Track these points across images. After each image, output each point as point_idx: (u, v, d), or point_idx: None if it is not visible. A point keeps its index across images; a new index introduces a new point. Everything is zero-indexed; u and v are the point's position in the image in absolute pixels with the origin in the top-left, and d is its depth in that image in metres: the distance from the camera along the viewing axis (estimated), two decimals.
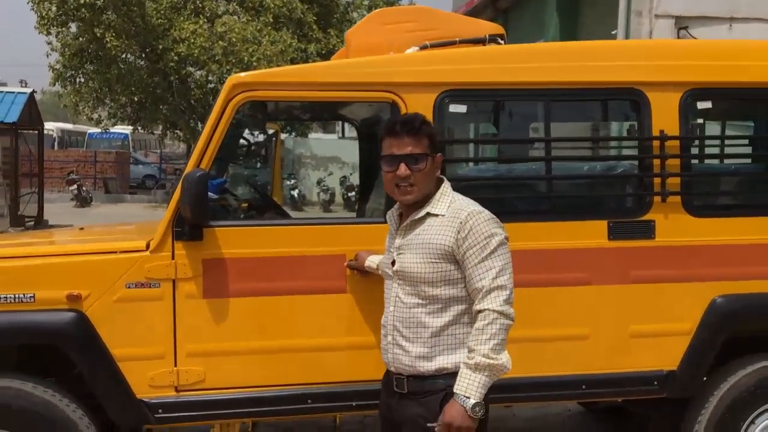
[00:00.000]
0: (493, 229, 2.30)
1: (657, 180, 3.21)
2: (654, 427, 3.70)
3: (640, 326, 3.25)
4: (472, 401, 2.20)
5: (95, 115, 24.40)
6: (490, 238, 2.28)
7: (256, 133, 4.33)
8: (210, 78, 21.52)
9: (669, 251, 3.23)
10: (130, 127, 27.88)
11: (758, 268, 3.30)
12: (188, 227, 2.93)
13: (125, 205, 21.29)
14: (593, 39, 13.74)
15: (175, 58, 20.78)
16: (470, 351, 2.26)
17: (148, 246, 2.99)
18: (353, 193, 18.25)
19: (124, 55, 22.12)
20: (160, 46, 20.94)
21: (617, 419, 4.67)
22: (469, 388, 2.21)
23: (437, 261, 2.30)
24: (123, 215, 16.86)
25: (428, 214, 2.36)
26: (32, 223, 14.57)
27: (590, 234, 3.20)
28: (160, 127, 25.18)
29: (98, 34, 20.33)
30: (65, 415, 2.91)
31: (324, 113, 4.39)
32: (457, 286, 2.33)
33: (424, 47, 3.34)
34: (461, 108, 3.14)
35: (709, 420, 3.31)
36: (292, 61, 21.36)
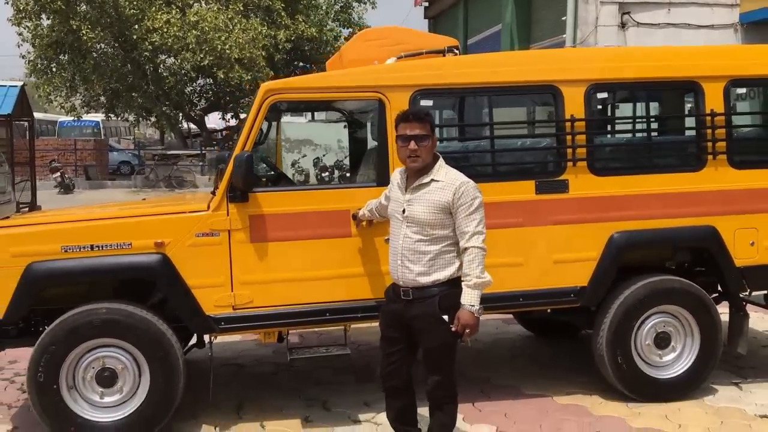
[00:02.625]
0: (476, 194, 3.47)
1: (569, 150, 4.47)
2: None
3: (560, 255, 4.48)
4: (476, 307, 3.38)
5: (68, 104, 25.03)
6: (474, 200, 3.45)
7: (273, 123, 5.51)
8: (184, 65, 22.19)
9: (579, 201, 4.48)
10: (101, 115, 28.49)
11: (644, 212, 4.54)
12: (239, 193, 4.12)
13: (106, 191, 22.03)
14: (545, 24, 15.06)
15: (149, 47, 21.45)
16: (466, 276, 3.40)
17: (208, 207, 4.18)
18: (326, 174, 19.20)
19: (98, 46, 22.68)
20: (134, 36, 21.58)
21: (550, 334, 6.01)
22: (472, 299, 3.38)
23: (438, 212, 3.45)
24: (107, 200, 17.74)
25: (432, 180, 3.45)
26: (26, 209, 15.40)
27: (523, 190, 4.43)
28: (132, 115, 25.90)
29: (74, 26, 20.92)
30: (156, 327, 4.10)
31: (329, 107, 5.60)
32: (447, 228, 3.47)
33: (399, 57, 4.56)
34: (429, 102, 4.35)
35: (611, 322, 4.53)
36: (263, 48, 22.29)
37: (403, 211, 3.52)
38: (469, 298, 3.39)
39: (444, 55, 4.65)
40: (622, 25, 13.26)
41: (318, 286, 4.26)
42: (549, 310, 4.95)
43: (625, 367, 4.55)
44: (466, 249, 3.42)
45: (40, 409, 4.00)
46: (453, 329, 3.40)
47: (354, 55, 4.70)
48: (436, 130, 3.79)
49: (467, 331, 3.38)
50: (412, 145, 3.43)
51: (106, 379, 4.07)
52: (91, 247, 4.03)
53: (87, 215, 4.33)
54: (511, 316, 6.28)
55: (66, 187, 20.89)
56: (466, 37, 19.33)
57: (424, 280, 3.48)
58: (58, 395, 4.00)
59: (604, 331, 4.56)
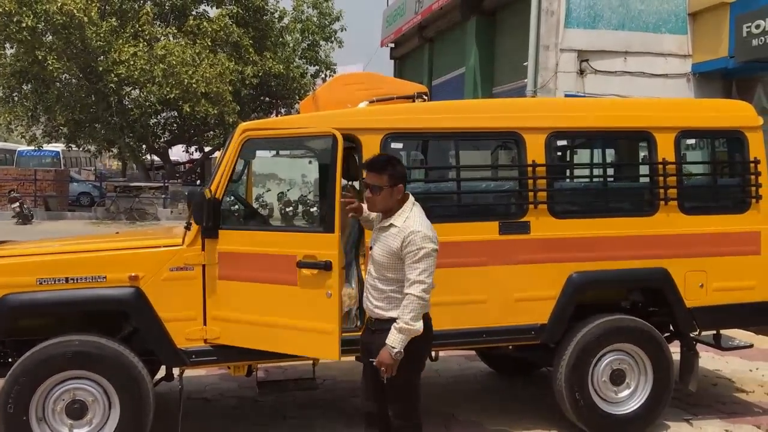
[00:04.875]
0: (424, 244, 3.55)
1: (531, 193, 4.69)
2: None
3: (522, 293, 4.67)
4: (396, 350, 3.49)
5: (29, 134, 24.75)
6: (419, 250, 3.55)
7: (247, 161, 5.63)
8: (149, 98, 22.18)
9: (540, 242, 4.69)
10: (62, 145, 28.17)
11: (601, 253, 4.77)
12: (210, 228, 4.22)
13: (66, 222, 21.70)
14: (507, 68, 15.55)
15: (115, 79, 21.42)
16: (398, 319, 3.56)
17: (183, 241, 4.28)
18: (290, 209, 19.27)
19: (63, 76, 22.56)
20: (100, 68, 21.53)
21: (512, 371, 6.17)
22: (395, 342, 3.50)
23: (390, 256, 3.60)
24: (66, 232, 17.47)
25: (391, 225, 3.60)
26: None
27: (487, 231, 4.62)
28: (95, 146, 25.69)
29: (39, 57, 20.82)
30: (128, 360, 4.16)
31: (301, 147, 5.75)
32: (399, 271, 3.61)
33: (371, 102, 4.77)
34: (399, 145, 4.56)
35: (569, 358, 4.71)
36: (230, 83, 22.45)
37: (371, 248, 3.72)
38: (392, 339, 3.50)
39: (414, 101, 4.87)
40: (581, 72, 13.82)
41: (271, 333, 4.17)
42: (510, 347, 5.12)
43: (582, 403, 4.71)
44: (405, 295, 3.54)
45: None
46: (374, 364, 3.53)
47: (328, 98, 4.89)
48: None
49: (383, 369, 3.50)
50: (367, 193, 3.67)
51: (76, 411, 4.10)
52: (66, 280, 4.10)
53: (62, 248, 4.39)
54: (473, 352, 6.44)
55: (24, 218, 20.53)
56: (431, 78, 19.76)
57: (382, 314, 3.64)
58: (27, 427, 4.01)
59: (562, 368, 4.73)
